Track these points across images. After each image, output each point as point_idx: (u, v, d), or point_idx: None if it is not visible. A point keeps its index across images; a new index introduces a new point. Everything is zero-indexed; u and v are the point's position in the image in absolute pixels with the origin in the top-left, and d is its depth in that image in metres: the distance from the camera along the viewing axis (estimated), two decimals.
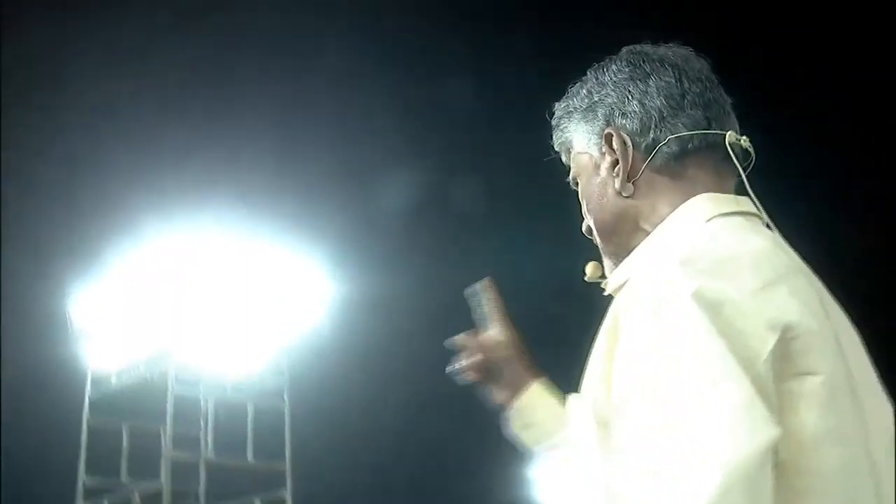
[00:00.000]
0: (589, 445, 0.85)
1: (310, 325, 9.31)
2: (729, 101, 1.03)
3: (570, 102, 1.08)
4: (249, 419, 9.12)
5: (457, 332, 1.31)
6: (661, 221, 0.97)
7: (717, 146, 0.98)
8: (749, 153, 1.00)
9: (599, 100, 1.04)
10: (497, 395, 1.32)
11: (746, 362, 0.74)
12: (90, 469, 8.13)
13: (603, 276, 1.07)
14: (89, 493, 7.98)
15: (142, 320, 7.96)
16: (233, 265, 8.52)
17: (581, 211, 1.09)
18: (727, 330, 0.76)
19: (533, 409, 1.30)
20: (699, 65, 1.03)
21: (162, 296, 8.08)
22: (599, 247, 1.07)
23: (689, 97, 0.99)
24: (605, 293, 0.99)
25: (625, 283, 0.91)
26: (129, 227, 8.83)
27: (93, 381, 8.30)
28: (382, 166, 12.18)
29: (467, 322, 1.32)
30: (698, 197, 0.96)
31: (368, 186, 12.40)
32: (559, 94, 1.12)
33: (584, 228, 1.09)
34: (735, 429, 0.71)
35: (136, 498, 8.07)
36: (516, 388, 1.31)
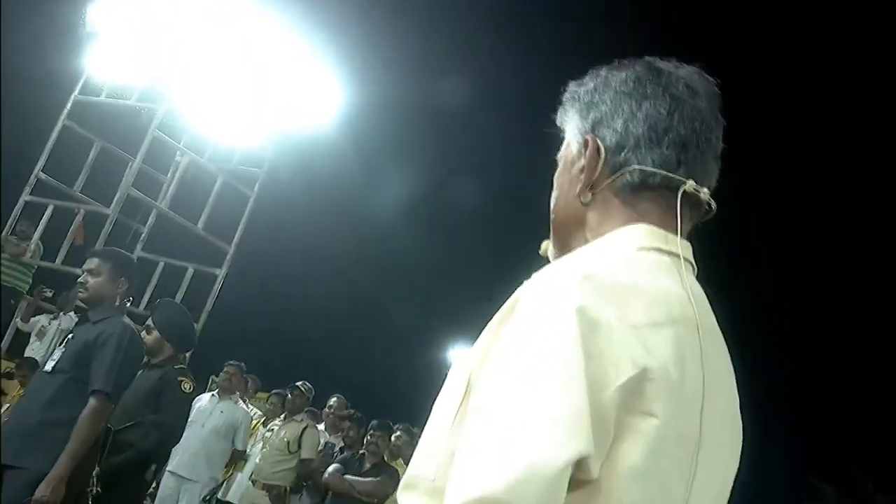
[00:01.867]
0: (452, 401, 0.94)
1: (307, 126, 9.20)
2: (718, 148, 1.06)
3: (578, 91, 1.11)
4: (214, 190, 9.12)
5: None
6: (601, 236, 1.03)
7: (676, 190, 1.02)
8: (710, 205, 1.03)
9: (597, 102, 1.07)
10: None
11: (594, 383, 0.82)
12: (48, 168, 8.09)
13: None
14: (38, 188, 7.97)
15: (150, 50, 7.75)
16: (253, 41, 8.28)
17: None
18: (591, 349, 0.83)
19: None
20: (704, 104, 1.05)
21: (176, 37, 7.84)
22: (551, 230, 1.13)
23: (670, 135, 1.02)
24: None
25: None
26: None
27: (83, 86, 8.15)
28: None
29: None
30: (637, 226, 1.02)
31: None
32: None
33: (550, 204, 1.14)
34: (550, 436, 0.79)
35: (81, 215, 8.09)
36: None
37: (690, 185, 1.02)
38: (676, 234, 1.03)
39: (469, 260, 15.65)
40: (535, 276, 0.95)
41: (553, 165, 1.17)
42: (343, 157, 11.34)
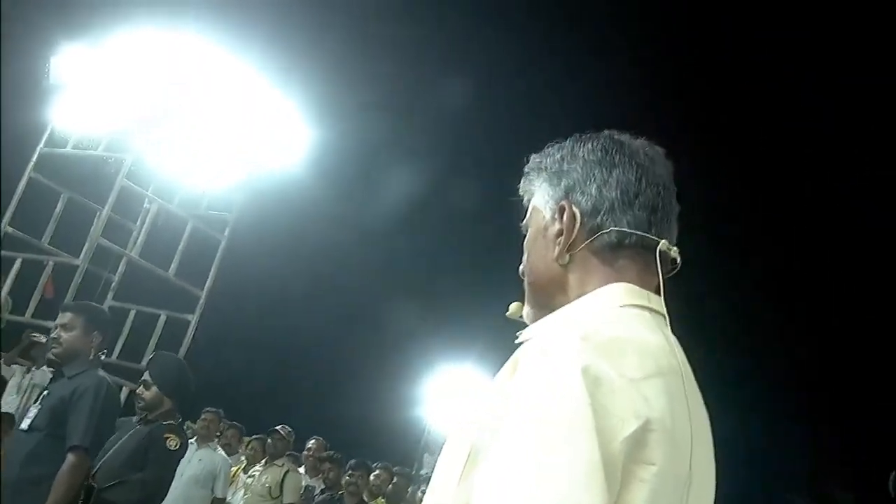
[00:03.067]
0: (457, 460, 0.98)
1: (276, 167, 9.23)
2: (677, 209, 1.16)
3: (544, 161, 1.20)
4: (184, 236, 9.09)
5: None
6: (583, 295, 1.10)
7: (650, 248, 1.11)
8: (676, 261, 1.13)
9: (567, 170, 1.16)
10: None
11: (604, 437, 0.88)
12: (15, 222, 8.04)
13: (521, 317, 1.21)
14: (6, 242, 7.90)
15: (116, 99, 7.77)
16: (218, 85, 8.33)
17: (521, 255, 1.21)
18: (598, 406, 0.89)
19: None
20: (662, 171, 1.15)
21: (141, 85, 7.88)
22: (526, 293, 1.20)
23: (641, 198, 1.11)
24: (517, 342, 1.10)
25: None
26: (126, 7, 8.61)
27: (49, 138, 8.13)
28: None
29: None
30: (618, 284, 1.09)
31: (365, 42, 12.22)
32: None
33: (520, 270, 1.22)
34: (573, 490, 0.84)
35: (50, 267, 8.02)
36: None
37: (664, 244, 1.11)
38: (653, 289, 1.11)
39: (449, 291, 15.67)
40: (529, 343, 1.02)
41: (518, 233, 1.23)
42: (313, 198, 11.37)
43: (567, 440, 0.88)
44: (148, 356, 7.56)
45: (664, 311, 1.10)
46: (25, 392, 7.24)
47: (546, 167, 1.20)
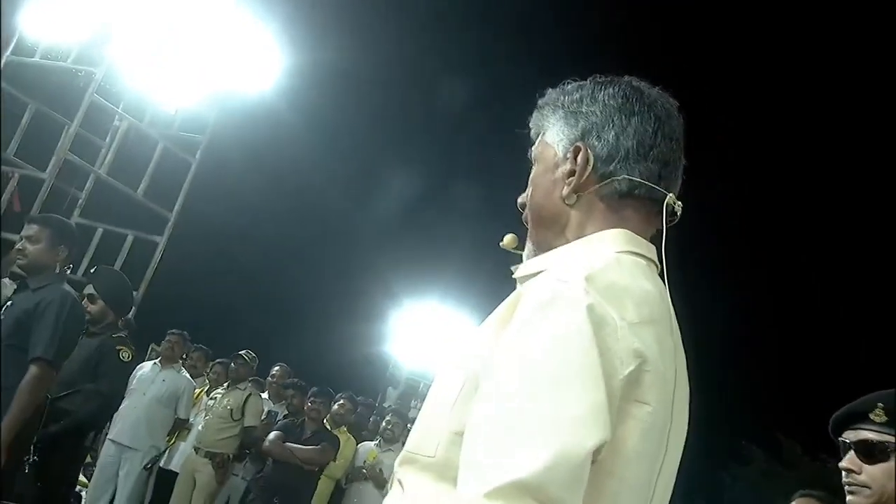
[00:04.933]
0: (451, 387, 1.03)
1: (249, 91, 9.07)
2: (683, 163, 1.17)
3: (561, 98, 1.19)
4: (155, 157, 8.94)
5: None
6: (582, 237, 1.13)
7: (656, 201, 1.13)
8: (676, 213, 1.15)
9: (586, 112, 1.16)
10: None
11: (607, 375, 0.92)
12: None
13: (517, 249, 1.24)
14: None
15: (86, 8, 7.51)
16: (195, 3, 8.10)
17: (525, 186, 1.22)
18: (601, 345, 0.92)
19: None
20: (676, 124, 1.17)
21: None
22: (528, 228, 1.22)
23: (654, 151, 1.12)
24: (514, 276, 1.15)
25: (534, 273, 1.06)
26: None
27: (16, 46, 7.88)
28: None
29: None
30: (617, 230, 1.12)
31: None
32: None
33: (519, 202, 1.23)
34: (579, 424, 0.88)
35: (16, 179, 7.87)
36: None
37: (671, 197, 1.13)
38: (649, 238, 1.15)
39: (415, 224, 15.68)
40: (529, 281, 1.05)
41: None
42: (285, 123, 11.21)
43: (575, 376, 0.91)
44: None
45: (658, 261, 1.13)
46: None
47: (563, 105, 1.19)
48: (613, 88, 1.17)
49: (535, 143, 1.24)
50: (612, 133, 1.13)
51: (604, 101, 1.16)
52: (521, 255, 1.24)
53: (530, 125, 1.26)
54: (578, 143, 1.15)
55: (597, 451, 0.90)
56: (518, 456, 0.87)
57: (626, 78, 1.19)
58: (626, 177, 1.12)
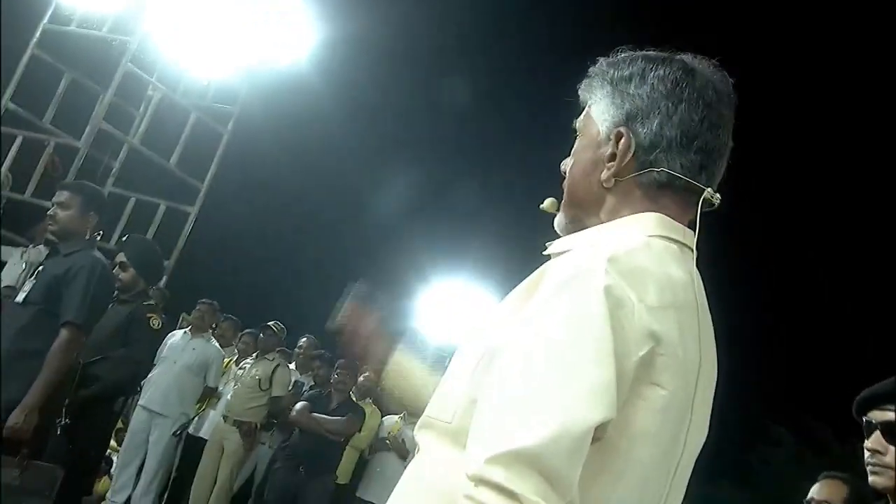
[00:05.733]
0: (472, 357, 1.05)
1: (282, 62, 9.06)
2: (730, 145, 1.15)
3: (611, 72, 1.16)
4: (188, 128, 9.00)
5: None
6: (615, 219, 1.12)
7: (695, 192, 1.12)
8: (714, 205, 1.13)
9: (633, 94, 1.13)
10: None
11: (620, 355, 0.93)
12: (16, 98, 7.93)
13: (557, 212, 1.23)
14: (7, 118, 7.81)
15: None
16: None
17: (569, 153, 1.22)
18: (616, 325, 0.94)
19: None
20: (726, 109, 1.14)
21: None
22: (563, 201, 1.22)
23: (698, 141, 1.10)
24: (545, 253, 1.14)
25: (563, 252, 1.07)
26: None
27: (52, 14, 7.93)
28: None
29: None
30: (651, 214, 1.11)
31: None
32: None
33: (562, 169, 1.23)
34: (584, 400, 0.90)
35: (51, 147, 7.96)
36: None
37: (709, 191, 1.12)
38: (686, 224, 1.13)
39: (448, 201, 15.64)
40: (556, 258, 1.06)
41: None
42: (317, 95, 11.18)
43: (587, 353, 0.93)
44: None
45: (693, 245, 1.12)
46: (24, 270, 7.29)
47: (612, 80, 1.16)
48: (665, 70, 1.13)
49: (582, 111, 1.22)
50: (657, 121, 1.11)
51: (653, 83, 1.13)
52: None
53: (578, 92, 1.23)
54: (621, 128, 1.13)
55: (601, 429, 0.93)
56: (521, 427, 0.89)
57: (680, 56, 1.16)
58: (666, 170, 1.11)
